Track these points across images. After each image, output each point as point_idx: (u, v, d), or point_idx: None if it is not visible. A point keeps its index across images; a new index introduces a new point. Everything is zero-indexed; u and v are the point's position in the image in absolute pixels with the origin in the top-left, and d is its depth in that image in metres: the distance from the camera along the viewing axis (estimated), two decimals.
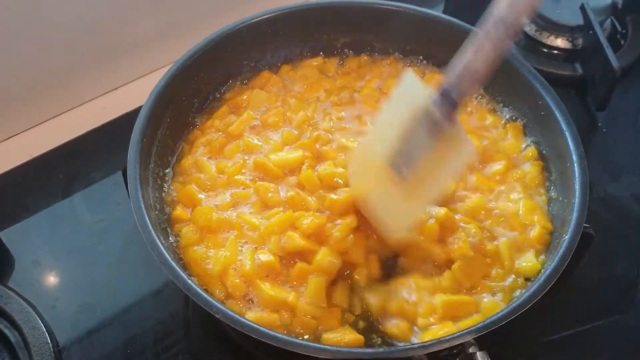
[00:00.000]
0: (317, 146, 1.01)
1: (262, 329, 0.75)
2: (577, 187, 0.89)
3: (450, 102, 0.75)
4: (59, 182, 1.14)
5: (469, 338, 0.75)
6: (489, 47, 0.71)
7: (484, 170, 1.01)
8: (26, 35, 1.13)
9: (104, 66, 1.27)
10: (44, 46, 1.17)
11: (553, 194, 0.98)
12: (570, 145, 0.93)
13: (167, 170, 1.02)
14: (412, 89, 0.81)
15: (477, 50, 0.72)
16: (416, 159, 0.79)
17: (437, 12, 1.14)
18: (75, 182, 1.15)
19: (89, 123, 1.23)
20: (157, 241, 0.83)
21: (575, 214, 0.86)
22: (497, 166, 1.01)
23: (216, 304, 0.78)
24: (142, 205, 0.86)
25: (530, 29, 1.36)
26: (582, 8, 1.28)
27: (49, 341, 0.93)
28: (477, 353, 0.74)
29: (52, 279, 1.03)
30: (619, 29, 1.37)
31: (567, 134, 0.94)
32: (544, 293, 0.80)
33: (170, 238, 0.93)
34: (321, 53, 1.18)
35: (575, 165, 0.91)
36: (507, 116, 1.09)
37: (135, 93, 1.28)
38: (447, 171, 0.82)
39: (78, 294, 1.00)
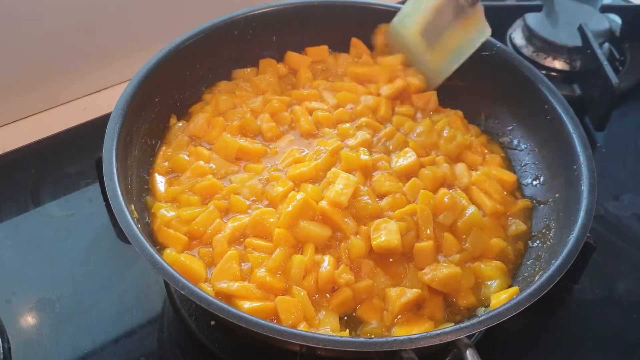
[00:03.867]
0: None
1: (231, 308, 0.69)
2: (585, 188, 0.85)
3: None
4: (30, 176, 1.09)
5: (461, 335, 0.68)
6: None
7: None
8: (12, 32, 1.10)
9: (88, 68, 1.24)
10: (29, 45, 1.14)
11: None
12: (578, 147, 0.90)
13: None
14: None
15: None
16: (442, 32, 1.06)
17: None
18: (47, 177, 1.09)
19: (67, 122, 1.19)
20: (126, 211, 0.77)
21: (582, 214, 0.81)
22: None
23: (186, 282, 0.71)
24: (115, 172, 0.81)
25: (528, 50, 1.34)
26: (581, 28, 1.27)
27: None
28: (467, 351, 0.66)
29: (11, 273, 0.95)
30: (617, 55, 1.36)
31: (574, 135, 0.91)
32: (541, 295, 0.73)
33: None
34: None
35: (583, 166, 0.87)
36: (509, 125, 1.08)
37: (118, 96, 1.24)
38: (468, 46, 1.05)
39: (37, 289, 0.93)
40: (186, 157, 0.96)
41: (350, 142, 0.98)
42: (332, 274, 0.81)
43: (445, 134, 1.03)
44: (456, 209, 0.90)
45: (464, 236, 0.89)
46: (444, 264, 0.85)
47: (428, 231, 0.87)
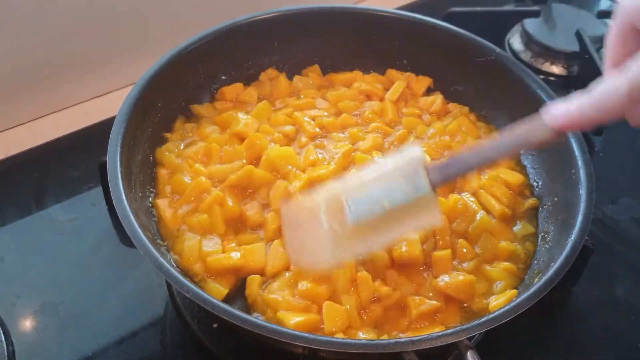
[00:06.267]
0: None
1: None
2: (583, 192, 0.85)
3: (442, 178, 0.72)
4: (33, 180, 1.09)
5: (462, 337, 0.69)
6: (493, 153, 0.73)
7: None
8: (14, 36, 1.11)
9: (91, 72, 1.25)
10: (32, 49, 1.15)
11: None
12: (576, 151, 0.91)
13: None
14: (411, 156, 0.75)
15: (481, 152, 0.72)
16: (377, 210, 0.72)
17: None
18: (50, 181, 1.10)
19: (70, 126, 1.19)
20: (131, 215, 0.78)
21: (580, 217, 0.82)
22: None
23: (186, 282, 0.72)
24: (119, 176, 0.82)
25: (526, 55, 1.35)
26: (578, 33, 1.28)
27: (3, 339, 0.86)
28: (468, 353, 0.67)
29: (15, 276, 0.96)
30: None
31: (572, 139, 0.92)
32: (540, 297, 0.74)
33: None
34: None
35: (581, 171, 0.88)
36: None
37: (121, 101, 1.25)
38: (409, 226, 0.75)
39: (41, 293, 0.93)
40: (187, 179, 0.94)
41: (361, 144, 0.99)
42: (373, 286, 0.82)
43: (457, 138, 1.04)
44: (468, 214, 0.91)
45: (475, 241, 0.90)
46: (459, 271, 0.86)
47: (447, 237, 0.88)
